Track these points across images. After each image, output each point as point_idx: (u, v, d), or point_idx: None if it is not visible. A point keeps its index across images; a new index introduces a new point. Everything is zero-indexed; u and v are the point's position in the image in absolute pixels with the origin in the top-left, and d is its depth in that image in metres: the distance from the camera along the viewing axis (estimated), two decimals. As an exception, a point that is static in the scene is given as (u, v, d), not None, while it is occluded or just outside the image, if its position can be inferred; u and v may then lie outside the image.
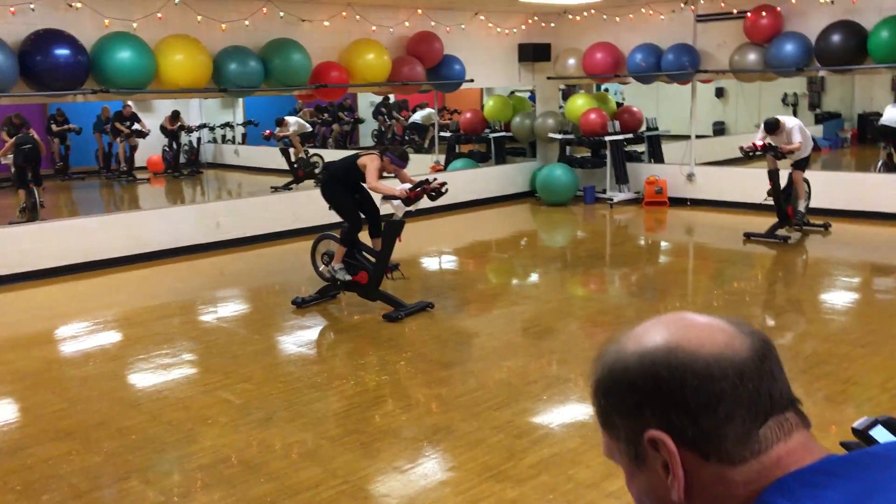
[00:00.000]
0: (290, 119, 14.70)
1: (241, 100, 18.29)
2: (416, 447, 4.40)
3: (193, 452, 4.37)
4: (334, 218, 7.70)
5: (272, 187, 13.70)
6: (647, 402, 0.87)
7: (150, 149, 17.11)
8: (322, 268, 7.53)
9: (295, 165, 14.43)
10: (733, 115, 19.70)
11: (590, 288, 8.19)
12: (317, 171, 14.57)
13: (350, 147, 18.05)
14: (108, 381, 5.54)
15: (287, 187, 13.62)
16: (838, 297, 7.47)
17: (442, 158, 14.14)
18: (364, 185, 6.88)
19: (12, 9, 7.97)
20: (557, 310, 7.14)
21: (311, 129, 15.40)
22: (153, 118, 17.12)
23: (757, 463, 0.85)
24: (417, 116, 16.97)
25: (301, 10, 10.19)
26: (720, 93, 19.43)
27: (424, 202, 6.89)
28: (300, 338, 6.53)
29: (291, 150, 14.56)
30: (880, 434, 0.99)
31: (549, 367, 5.60)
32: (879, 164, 12.01)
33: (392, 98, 18.53)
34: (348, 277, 6.93)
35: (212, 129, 18.85)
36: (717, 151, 14.55)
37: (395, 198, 6.57)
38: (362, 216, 7.12)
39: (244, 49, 9.47)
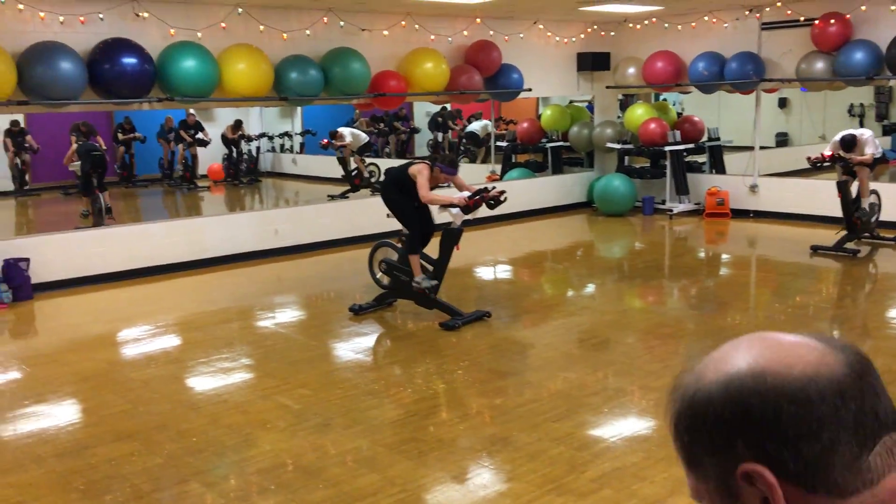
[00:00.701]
0: (345, 131, 14.80)
1: (299, 109, 18.54)
2: (474, 457, 4.33)
3: (252, 456, 4.38)
4: (391, 226, 7.71)
5: (329, 196, 13.80)
6: (738, 435, 0.78)
7: (210, 157, 17.43)
8: (379, 275, 7.52)
9: (352, 174, 14.52)
10: (797, 126, 19.26)
11: (648, 300, 8.03)
12: (373, 180, 14.65)
13: (407, 157, 18.11)
14: (170, 384, 5.61)
15: (344, 196, 13.72)
16: (912, 313, 7.19)
17: (498, 168, 14.09)
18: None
19: (82, 18, 8.19)
20: (615, 322, 7.01)
21: (367, 140, 15.50)
22: (214, 127, 17.44)
23: (870, 496, 0.76)
24: (474, 126, 16.96)
25: (360, 19, 10.26)
26: (783, 103, 19.02)
27: (483, 210, 6.84)
28: (357, 345, 6.53)
29: (352, 159, 14.66)
30: None
31: (608, 379, 5.48)
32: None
33: (448, 108, 18.56)
34: (435, 282, 6.82)
35: (271, 138, 19.12)
36: (781, 163, 14.22)
37: (454, 206, 6.52)
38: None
39: (305, 58, 9.57)
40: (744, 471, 0.78)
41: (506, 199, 6.76)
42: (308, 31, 9.80)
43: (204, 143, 16.53)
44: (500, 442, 4.45)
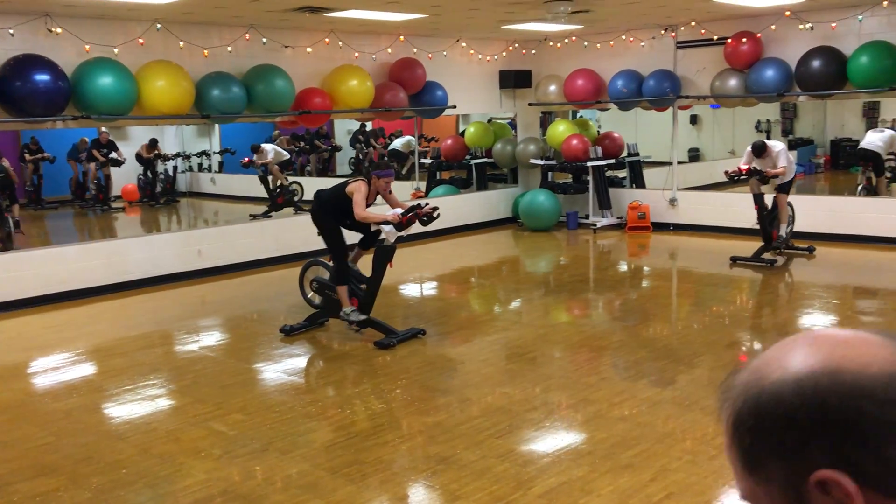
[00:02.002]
0: (267, 147, 14.55)
1: (217, 128, 18.16)
2: (419, 478, 4.26)
3: (187, 486, 4.20)
4: (320, 244, 7.59)
5: (251, 215, 13.53)
6: (813, 438, 0.74)
7: (125, 177, 16.87)
8: (310, 294, 7.38)
9: (276, 192, 14.28)
10: (708, 141, 19.93)
11: (576, 313, 8.12)
12: (296, 198, 14.44)
13: (328, 175, 17.95)
14: (94, 414, 5.35)
15: (266, 215, 13.46)
16: (825, 320, 7.46)
17: (423, 185, 14.09)
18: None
19: (-9, 33, 7.82)
20: (547, 336, 7.05)
21: (288, 157, 15.28)
22: (129, 146, 16.90)
23: None
24: (397, 143, 16.95)
25: (283, 36, 10.13)
26: (694, 120, 19.65)
27: (412, 227, 6.80)
28: (291, 366, 6.38)
29: (270, 178, 14.41)
30: None
31: (547, 393, 5.49)
32: (860, 188, 12.14)
33: (369, 125, 18.49)
34: (363, 317, 6.75)
35: (188, 157, 18.66)
36: (695, 177, 14.67)
37: (387, 223, 6.47)
38: (359, 234, 7.01)
39: (227, 75, 9.38)
40: (819, 478, 0.73)
41: (439, 215, 6.75)
42: (230, 48, 9.61)
43: (118, 163, 16.00)
44: (444, 461, 4.39)
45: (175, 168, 17.86)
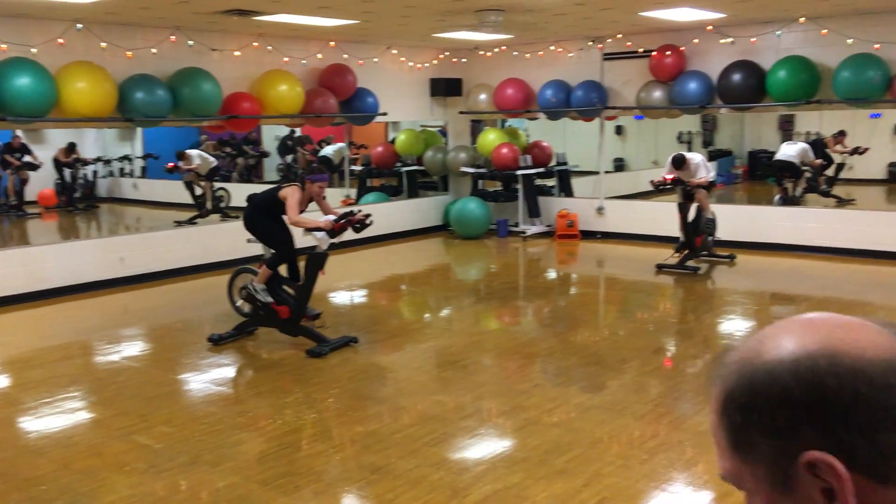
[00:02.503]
0: (193, 153, 14.23)
1: (139, 132, 17.67)
2: (353, 488, 4.21)
3: (111, 503, 4.04)
4: (248, 251, 7.46)
5: (175, 222, 13.20)
6: (807, 419, 0.73)
7: (42, 182, 16.25)
8: (239, 302, 7.23)
9: (199, 199, 13.97)
10: (633, 151, 20.37)
11: (506, 320, 8.17)
12: (222, 205, 14.15)
13: (255, 182, 17.66)
14: (9, 428, 5.12)
15: (192, 221, 13.16)
16: (746, 325, 7.69)
17: (353, 192, 14.00)
18: (285, 218, 6.66)
19: None
20: (478, 343, 7.07)
21: (215, 163, 14.97)
22: (45, 150, 16.27)
23: None
24: (327, 150, 16.78)
25: (211, 39, 9.94)
26: (619, 130, 20.06)
27: (347, 234, 6.74)
28: (219, 376, 6.23)
29: (202, 185, 14.09)
30: None
31: (481, 400, 5.50)
32: (777, 198, 12.58)
33: (298, 131, 18.28)
34: (269, 299, 6.67)
35: (108, 162, 18.10)
36: (621, 186, 14.96)
37: (320, 229, 6.39)
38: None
39: (151, 77, 9.13)
40: (810, 459, 0.72)
41: (372, 222, 6.70)
42: (154, 50, 9.36)
43: (34, 167, 15.40)
44: (379, 471, 4.34)
45: (95, 173, 17.30)
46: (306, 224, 6.46)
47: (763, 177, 19.24)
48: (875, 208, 14.45)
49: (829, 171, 13.85)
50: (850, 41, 9.66)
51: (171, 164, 14.13)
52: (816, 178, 13.46)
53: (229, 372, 6.39)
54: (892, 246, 9.91)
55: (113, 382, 5.99)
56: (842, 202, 13.31)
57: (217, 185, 14.98)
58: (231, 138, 17.50)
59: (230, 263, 9.07)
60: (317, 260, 6.55)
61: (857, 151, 14.27)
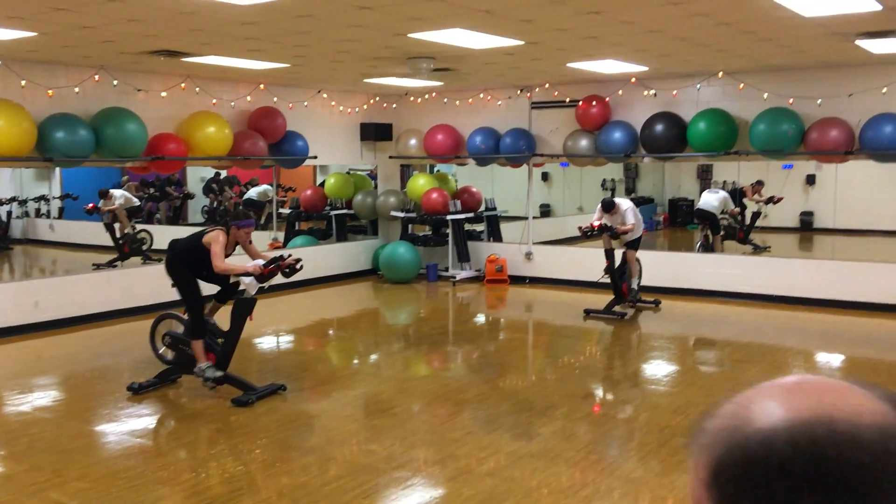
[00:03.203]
0: (116, 192, 13.86)
1: (58, 171, 17.15)
2: (282, 544, 4.05)
3: (21, 566, 3.80)
4: (172, 295, 7.24)
5: (94, 265, 12.76)
6: (807, 490, 0.69)
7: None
8: (162, 349, 6.99)
9: (121, 241, 13.56)
10: (559, 198, 20.76)
11: (436, 366, 8.13)
12: (144, 247, 13.77)
13: (181, 223, 17.29)
14: None
15: (112, 264, 12.74)
16: (671, 369, 7.83)
17: (281, 235, 13.82)
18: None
19: None
20: (409, 389, 6.99)
21: (138, 204, 14.60)
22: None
23: None
24: (253, 193, 16.57)
25: (136, 79, 9.75)
26: (545, 177, 20.44)
27: (276, 279, 6.61)
28: (139, 427, 5.97)
29: (117, 226, 13.69)
30: None
31: (413, 450, 5.41)
32: (698, 245, 12.94)
33: (224, 173, 18.03)
34: (219, 374, 6.44)
35: (23, 202, 17.47)
36: (548, 232, 15.19)
37: (248, 275, 6.25)
38: (217, 286, 6.73)
39: (73, 117, 8.88)
40: None
41: (302, 266, 6.59)
42: (77, 89, 9.13)
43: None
44: (309, 524, 4.20)
45: (9, 213, 16.67)
46: (235, 270, 6.32)
47: (683, 224, 19.85)
48: (789, 255, 15.01)
49: (747, 219, 14.37)
50: (765, 95, 10.11)
51: (91, 205, 13.71)
52: (735, 226, 13.94)
53: (150, 422, 6.14)
54: (806, 292, 10.28)
55: (25, 435, 5.68)
56: (758, 249, 13.78)
57: (139, 226, 14.60)
58: (155, 179, 17.14)
59: (152, 308, 8.80)
60: (245, 305, 6.39)
61: (772, 200, 14.85)
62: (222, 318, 6.81)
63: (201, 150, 10.13)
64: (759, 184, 14.91)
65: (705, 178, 20.28)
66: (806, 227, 19.08)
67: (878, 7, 6.09)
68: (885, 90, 9.44)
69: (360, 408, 6.48)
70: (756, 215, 14.68)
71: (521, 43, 7.88)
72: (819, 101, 9.84)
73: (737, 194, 14.43)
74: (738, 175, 18.33)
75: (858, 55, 8.79)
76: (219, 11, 6.18)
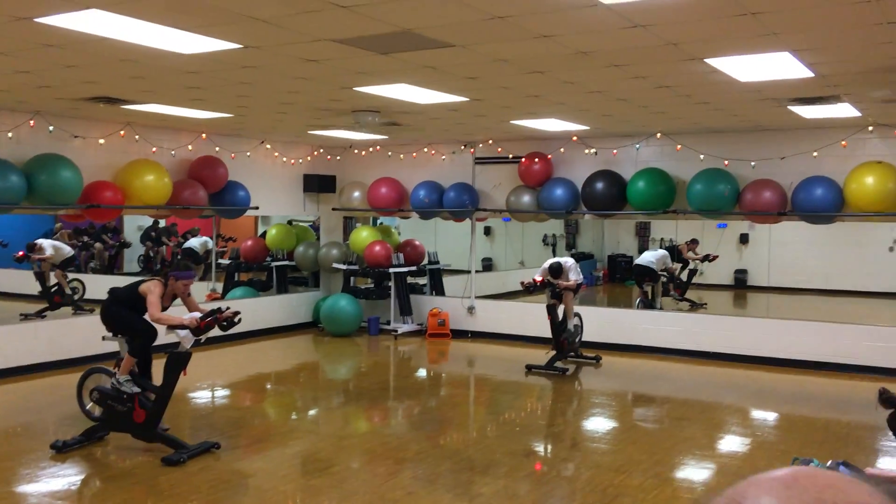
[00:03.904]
0: (46, 243, 13.40)
1: (-13, 217, 16.57)
2: None
3: None
4: (102, 347, 7.01)
5: (22, 314, 12.28)
6: None
7: None
8: (89, 405, 6.70)
9: (52, 291, 13.09)
10: (501, 252, 20.90)
11: (376, 422, 7.97)
12: (77, 297, 13.33)
13: (116, 273, 16.83)
14: None
15: (41, 314, 12.28)
16: (611, 425, 7.81)
17: (220, 286, 13.55)
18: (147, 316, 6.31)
19: None
20: (348, 447, 6.82)
21: (71, 254, 14.17)
22: None
23: None
24: (193, 242, 16.26)
25: (74, 125, 9.54)
26: (488, 231, 20.59)
27: (213, 331, 6.43)
28: (62, 488, 5.67)
29: (53, 274, 13.22)
30: None
31: (351, 510, 5.25)
32: (638, 301, 13.11)
33: (162, 222, 17.69)
34: (136, 389, 6.22)
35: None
36: (489, 286, 15.23)
37: (184, 327, 6.06)
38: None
39: (4, 162, 8.61)
40: None
41: (240, 320, 6.43)
42: (10, 134, 8.88)
43: None
44: (240, 593, 4.00)
45: (-69, 260, 15.99)
46: (170, 321, 6.13)
47: (622, 279, 20.15)
48: (725, 313, 15.32)
49: (683, 276, 14.64)
50: (702, 157, 10.39)
51: (21, 253, 13.24)
52: (672, 283, 14.19)
53: (74, 483, 5.84)
54: (742, 350, 10.46)
55: (-64, 497, 5.34)
56: (694, 306, 14.03)
57: (71, 276, 14.14)
58: (90, 227, 16.70)
59: (81, 361, 8.48)
60: (179, 360, 6.19)
61: (707, 258, 15.19)
62: (154, 372, 6.57)
63: (139, 199, 9.91)
64: (694, 242, 15.25)
65: (643, 236, 20.70)
66: (740, 285, 19.54)
67: (811, 74, 6.34)
68: (815, 154, 9.80)
69: (297, 466, 6.29)
70: (692, 273, 14.98)
71: (466, 99, 7.97)
72: (753, 163, 10.16)
73: (674, 252, 14.72)
74: (676, 233, 18.77)
75: (790, 120, 9.13)
76: (161, 60, 6.10)
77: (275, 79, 6.96)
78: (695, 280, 15.19)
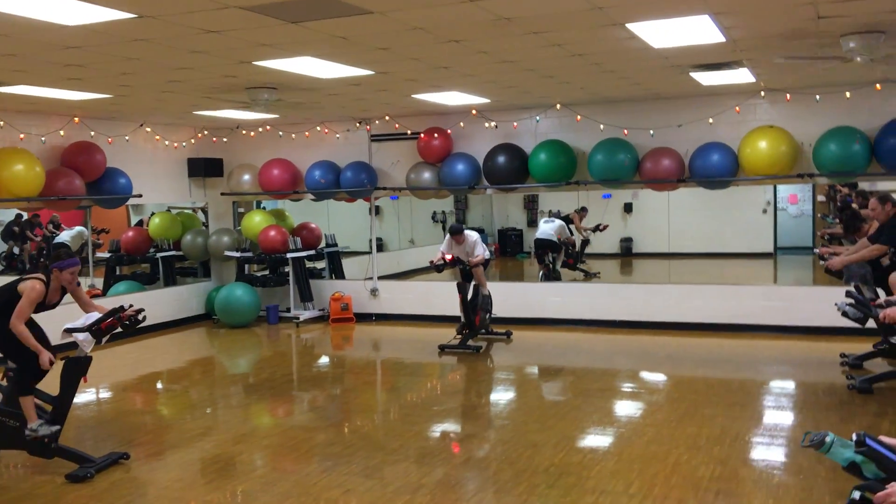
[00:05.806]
0: None
1: None
2: None
3: None
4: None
5: None
6: None
7: None
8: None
9: None
10: (391, 231, 20.59)
11: (278, 414, 7.59)
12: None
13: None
14: None
15: None
16: (526, 402, 7.72)
17: (99, 282, 12.62)
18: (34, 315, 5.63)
19: None
20: (258, 444, 6.40)
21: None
22: None
23: None
24: (65, 236, 15.07)
25: (-74, 110, 8.53)
26: (377, 210, 20.20)
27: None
28: (-49, 520, 5.02)
29: None
30: None
31: (287, 514, 4.88)
32: (541, 274, 13.12)
33: (25, 215, 16.33)
34: (56, 428, 5.56)
35: None
36: (383, 267, 14.90)
37: (81, 330, 5.47)
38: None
39: None
40: None
41: (144, 318, 5.88)
42: None
43: None
44: None
45: None
46: (28, 340, 5.34)
47: (513, 253, 20.28)
48: (621, 281, 15.63)
49: (577, 247, 14.80)
50: (602, 127, 10.42)
51: None
52: (566, 253, 14.30)
53: (-35, 512, 5.19)
54: (648, 316, 10.64)
55: None
56: (588, 275, 14.22)
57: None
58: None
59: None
60: (78, 365, 5.59)
61: (598, 228, 15.43)
62: (49, 381, 5.92)
63: (7, 191, 9.01)
64: (584, 210, 15.42)
65: (531, 208, 20.86)
66: (626, 253, 20.03)
67: (723, 39, 6.35)
68: (711, 121, 10.00)
69: (218, 472, 5.82)
70: (585, 243, 15.17)
71: (371, 73, 7.60)
72: (651, 131, 10.27)
73: (567, 221, 14.83)
74: (560, 204, 18.99)
75: (688, 87, 9.24)
76: (39, 33, 5.44)
77: (166, 54, 6.37)
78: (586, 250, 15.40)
